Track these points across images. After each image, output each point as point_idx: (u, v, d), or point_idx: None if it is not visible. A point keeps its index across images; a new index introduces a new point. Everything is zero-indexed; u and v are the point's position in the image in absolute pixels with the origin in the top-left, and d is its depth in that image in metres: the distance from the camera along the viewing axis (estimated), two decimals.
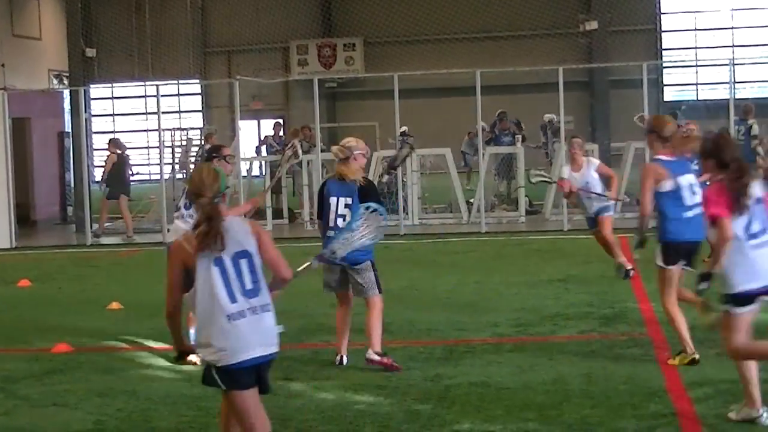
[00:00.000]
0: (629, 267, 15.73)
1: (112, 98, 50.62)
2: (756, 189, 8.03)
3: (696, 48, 46.40)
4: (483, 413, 8.75)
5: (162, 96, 26.10)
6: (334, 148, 11.00)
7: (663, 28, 46.23)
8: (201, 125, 41.12)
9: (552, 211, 24.90)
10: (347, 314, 11.18)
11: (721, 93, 38.32)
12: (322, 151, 24.78)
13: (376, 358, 10.52)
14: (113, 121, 50.63)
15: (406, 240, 22.47)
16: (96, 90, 47.72)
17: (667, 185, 10.03)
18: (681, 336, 10.18)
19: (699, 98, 44.56)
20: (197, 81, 46.43)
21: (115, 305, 14.87)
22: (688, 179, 10.15)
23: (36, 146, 28.49)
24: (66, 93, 32.00)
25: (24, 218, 26.26)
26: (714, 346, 10.81)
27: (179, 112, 44.62)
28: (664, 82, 45.81)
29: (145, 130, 47.90)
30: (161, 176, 25.15)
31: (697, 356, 10.09)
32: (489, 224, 23.78)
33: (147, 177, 42.70)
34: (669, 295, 10.11)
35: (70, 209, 28.75)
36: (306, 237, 23.63)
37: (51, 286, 17.49)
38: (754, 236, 7.94)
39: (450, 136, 30.90)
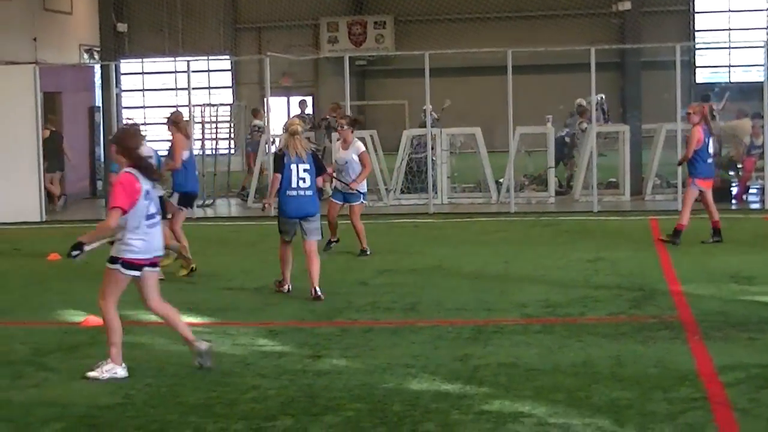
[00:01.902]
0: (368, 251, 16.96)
1: (143, 73, 50.65)
2: None
3: (729, 30, 46.07)
4: (512, 394, 8.72)
5: (192, 72, 26.09)
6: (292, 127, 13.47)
7: (696, 9, 45.93)
8: (231, 101, 41.09)
9: (581, 192, 24.79)
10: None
11: (755, 75, 38.05)
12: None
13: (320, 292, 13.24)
14: (143, 96, 50.69)
15: (435, 219, 22.44)
16: (126, 65, 47.73)
17: None
18: None
19: (732, 80, 44.27)
20: (227, 57, 46.41)
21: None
22: None
23: (66, 121, 28.50)
24: (97, 68, 32.02)
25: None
26: (746, 330, 10.76)
27: (209, 88, 44.68)
28: (697, 64, 45.54)
29: (174, 106, 47.96)
30: (191, 151, 25.10)
31: None
32: (518, 204, 23.72)
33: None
34: None
35: (99, 184, 28.83)
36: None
37: (81, 260, 17.46)
38: None
39: (480, 116, 30.79)
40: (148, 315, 12.33)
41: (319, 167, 13.62)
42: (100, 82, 29.83)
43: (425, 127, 24.29)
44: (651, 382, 8.95)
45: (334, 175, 16.86)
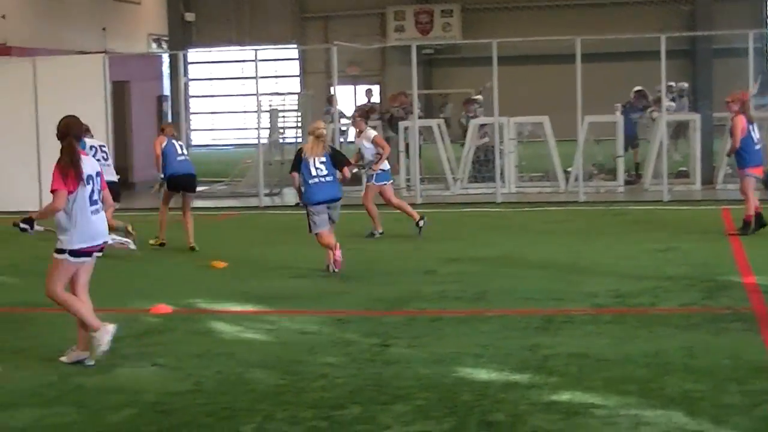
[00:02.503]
0: (379, 231, 17.91)
1: (210, 62, 50.90)
2: None
3: None
4: (582, 384, 8.62)
5: (259, 61, 26.15)
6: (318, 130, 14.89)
7: None
8: (298, 90, 41.18)
9: (651, 182, 24.55)
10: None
11: None
12: (419, 117, 24.71)
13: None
14: (210, 85, 50.95)
15: (503, 208, 22.34)
16: (194, 54, 48.01)
17: None
18: None
19: None
20: (294, 46, 46.50)
21: (217, 264, 14.98)
22: None
23: (135, 109, 28.70)
24: (165, 57, 32.23)
25: (122, 181, 26.48)
26: None
27: (276, 77, 44.81)
28: None
29: (242, 95, 48.16)
30: (258, 141, 25.25)
31: None
32: (587, 194, 23.53)
33: (243, 141, 42.95)
34: None
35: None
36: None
37: (149, 248, 17.63)
38: None
39: (547, 105, 30.56)
40: (219, 304, 12.43)
41: (338, 161, 14.84)
42: (168, 71, 30.04)
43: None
44: (724, 374, 8.82)
45: (359, 162, 18.34)
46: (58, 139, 9.98)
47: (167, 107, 30.03)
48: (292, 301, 12.66)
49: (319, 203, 14.59)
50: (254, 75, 26.02)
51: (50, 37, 38.42)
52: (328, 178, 14.66)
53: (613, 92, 29.56)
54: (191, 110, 44.97)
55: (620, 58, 39.37)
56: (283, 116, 28.59)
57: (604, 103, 26.74)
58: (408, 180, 25.15)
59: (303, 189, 14.75)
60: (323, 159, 14.67)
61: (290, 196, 26.31)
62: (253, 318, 11.72)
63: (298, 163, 14.79)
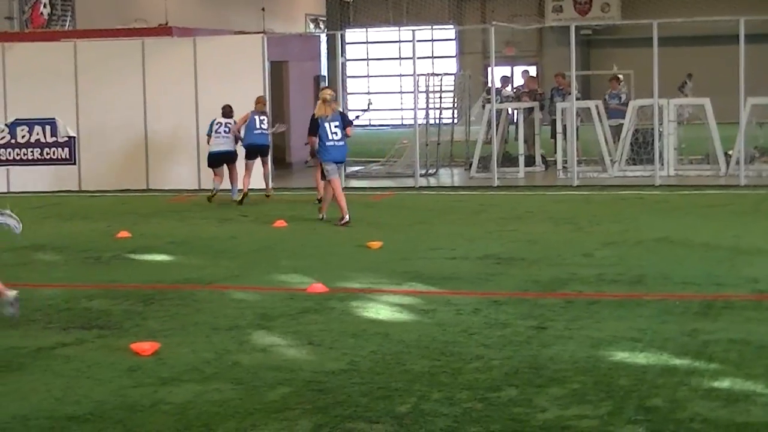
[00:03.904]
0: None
1: (367, 43, 51.12)
2: None
3: None
4: (743, 371, 8.42)
5: (417, 41, 26.14)
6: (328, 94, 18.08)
7: None
8: (455, 71, 41.08)
9: None
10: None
11: None
12: (577, 99, 24.44)
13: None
14: (367, 65, 51.18)
15: (661, 191, 21.97)
16: (351, 34, 48.29)
17: None
18: None
19: None
20: (451, 26, 46.40)
21: (373, 244, 15.05)
22: None
23: (293, 89, 28.98)
24: (323, 37, 32.46)
25: (280, 160, 26.82)
26: None
27: (433, 57, 44.79)
28: None
29: (398, 75, 48.27)
30: (415, 121, 25.27)
31: None
32: (748, 177, 22.98)
33: (399, 122, 43.04)
34: None
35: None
36: (558, 186, 23.38)
37: (305, 227, 17.81)
38: None
39: (709, 86, 29.93)
40: (375, 284, 12.47)
41: (346, 122, 18.17)
42: (325, 51, 30.25)
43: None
44: None
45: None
46: None
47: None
48: (447, 281, 12.62)
49: (334, 161, 17.88)
50: (411, 55, 26.01)
51: (210, 18, 39.05)
52: (340, 142, 17.89)
53: None
54: (348, 90, 45.19)
55: None
56: (440, 97, 28.54)
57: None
58: (565, 162, 24.89)
59: (319, 148, 17.85)
60: (337, 123, 17.82)
61: (446, 176, 26.33)
62: (409, 298, 11.73)
63: (316, 127, 17.76)
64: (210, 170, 21.89)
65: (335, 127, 17.84)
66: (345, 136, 18.00)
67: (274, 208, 20.09)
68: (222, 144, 21.51)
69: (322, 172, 18.45)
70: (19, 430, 7.42)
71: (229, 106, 21.61)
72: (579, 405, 7.67)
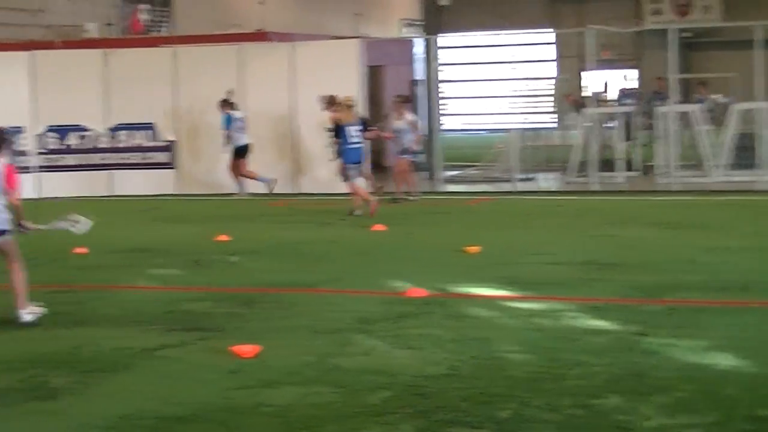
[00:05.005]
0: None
1: (463, 47, 51.01)
2: None
3: None
4: None
5: (513, 45, 26.03)
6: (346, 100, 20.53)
7: None
8: (554, 75, 40.85)
9: None
10: None
11: None
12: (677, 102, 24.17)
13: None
14: (464, 70, 51.05)
15: (764, 196, 21.57)
16: (447, 39, 48.19)
17: None
18: None
19: None
20: (548, 30, 46.12)
21: (471, 248, 14.99)
22: None
23: (389, 94, 28.97)
24: (418, 41, 32.43)
25: (376, 164, 26.82)
26: None
27: (529, 61, 44.54)
28: None
29: (494, 80, 48.10)
30: (512, 125, 25.19)
31: None
32: None
33: (497, 126, 42.89)
34: None
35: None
36: (658, 191, 23.10)
37: (404, 231, 17.80)
38: None
39: None
40: (474, 288, 12.43)
41: (364, 128, 20.28)
42: (421, 55, 30.20)
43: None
44: None
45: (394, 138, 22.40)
46: None
47: (420, 92, 30.20)
48: (547, 286, 12.52)
49: (353, 163, 19.88)
50: (508, 60, 25.91)
51: (306, 23, 39.32)
52: (359, 145, 19.99)
53: None
54: (444, 95, 45.13)
55: None
56: (538, 101, 28.41)
57: None
58: (665, 166, 24.59)
59: (341, 150, 20.11)
60: (357, 127, 19.95)
61: (544, 181, 26.17)
62: (508, 303, 11.67)
63: (340, 130, 19.99)
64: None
65: (356, 131, 20.02)
66: (362, 139, 20.22)
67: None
68: None
69: (345, 171, 20.35)
70: (126, 430, 7.50)
71: None
72: (685, 414, 7.55)
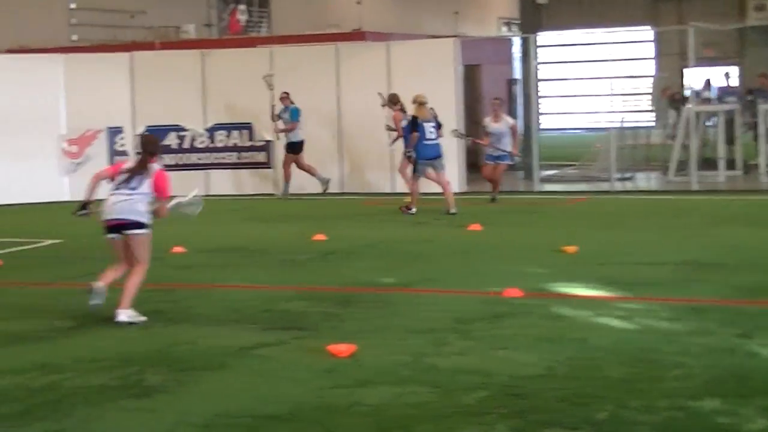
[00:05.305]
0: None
1: (561, 45, 50.70)
2: None
3: None
4: None
5: (611, 43, 25.79)
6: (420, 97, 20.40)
7: None
8: (653, 73, 40.39)
9: None
10: None
11: None
12: None
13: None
14: (562, 68, 50.75)
15: None
16: (544, 36, 47.93)
17: None
18: None
19: None
20: (648, 27, 45.65)
21: (568, 248, 14.87)
22: None
23: (486, 93, 28.88)
24: (516, 40, 32.30)
25: (475, 164, 26.72)
26: None
27: (629, 59, 44.08)
28: None
29: (593, 78, 47.71)
30: (610, 124, 24.95)
31: None
32: None
33: (594, 125, 42.54)
34: None
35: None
36: (761, 190, 22.73)
37: (500, 231, 17.73)
38: None
39: None
40: (571, 288, 12.32)
41: (437, 125, 20.37)
42: (518, 54, 30.07)
43: None
44: None
45: (490, 142, 22.14)
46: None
47: (517, 91, 30.09)
48: (644, 287, 12.36)
49: (427, 159, 20.15)
50: (607, 58, 25.65)
51: (403, 22, 39.35)
52: (434, 141, 20.21)
53: None
54: (542, 94, 44.90)
55: None
56: (636, 99, 28.11)
57: None
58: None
59: (417, 146, 20.05)
60: (433, 124, 20.26)
61: (642, 180, 25.89)
62: (605, 304, 11.54)
63: (417, 125, 20.05)
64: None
65: (432, 127, 20.20)
66: (437, 137, 20.33)
67: (469, 212, 20.02)
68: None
69: (414, 167, 20.54)
70: (221, 428, 7.53)
71: None
72: None
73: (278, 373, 8.92)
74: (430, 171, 20.41)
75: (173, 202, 11.79)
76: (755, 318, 10.51)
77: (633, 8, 46.42)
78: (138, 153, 12.00)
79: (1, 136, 24.40)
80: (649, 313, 10.95)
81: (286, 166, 24.31)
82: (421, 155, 20.20)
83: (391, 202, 21.99)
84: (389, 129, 23.04)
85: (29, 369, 9.22)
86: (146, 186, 11.30)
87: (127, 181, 11.33)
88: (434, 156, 20.26)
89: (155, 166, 11.47)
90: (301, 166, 24.19)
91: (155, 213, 11.42)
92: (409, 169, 21.18)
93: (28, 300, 12.76)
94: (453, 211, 19.82)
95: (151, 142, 11.83)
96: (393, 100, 22.75)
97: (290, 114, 24.26)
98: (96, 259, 13.64)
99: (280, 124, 24.35)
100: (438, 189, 20.51)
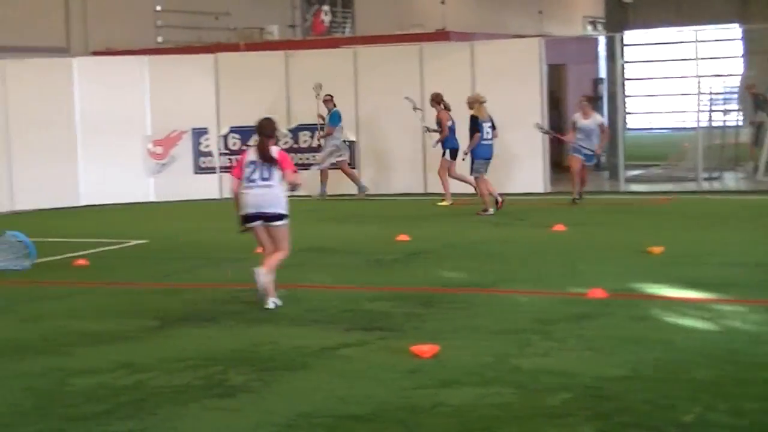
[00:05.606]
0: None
1: (647, 44, 50.19)
2: None
3: None
4: None
5: (699, 41, 25.48)
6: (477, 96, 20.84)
7: None
8: (741, 72, 39.83)
9: None
10: None
11: None
12: None
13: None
14: (648, 67, 50.22)
15: None
16: (630, 35, 47.49)
17: None
18: None
19: None
20: (736, 25, 45.05)
21: (654, 249, 14.69)
22: None
23: (571, 92, 28.70)
24: (601, 39, 32.05)
25: (559, 164, 26.57)
26: None
27: (717, 58, 43.53)
28: None
29: (681, 77, 47.20)
30: (698, 123, 24.67)
31: None
32: None
33: (682, 125, 42.08)
34: None
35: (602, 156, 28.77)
36: None
37: (584, 231, 17.58)
38: None
39: None
40: (656, 289, 12.18)
41: (493, 125, 20.51)
42: (604, 53, 29.84)
43: None
44: None
45: (575, 138, 21.61)
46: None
47: (603, 90, 29.85)
48: (731, 288, 12.18)
49: (485, 159, 20.33)
50: (694, 56, 25.35)
51: (487, 22, 39.24)
52: (490, 141, 20.44)
53: None
54: (628, 93, 44.51)
55: None
56: (723, 98, 27.74)
57: None
58: None
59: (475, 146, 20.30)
60: (490, 124, 20.43)
61: (730, 180, 25.56)
62: (692, 305, 11.38)
63: (477, 125, 20.25)
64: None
65: (489, 128, 20.44)
66: (493, 137, 20.56)
67: (553, 212, 19.90)
68: None
69: (471, 168, 20.70)
70: (304, 428, 7.54)
71: None
72: None
73: (360, 374, 8.92)
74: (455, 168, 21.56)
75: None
76: None
77: (721, 5, 45.75)
78: (255, 138, 12.32)
79: (87, 138, 24.70)
80: (737, 314, 10.78)
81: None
82: (478, 155, 20.39)
83: (471, 203, 21.81)
84: (428, 130, 22.85)
85: (114, 368, 9.32)
86: (276, 172, 11.70)
87: (258, 172, 11.65)
88: (490, 156, 20.50)
89: (275, 148, 11.77)
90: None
91: (291, 187, 11.86)
92: (461, 171, 21.85)
93: (113, 300, 12.89)
94: (490, 211, 20.14)
95: (268, 126, 12.03)
96: (437, 100, 22.60)
97: (330, 118, 24.29)
98: (180, 259, 13.76)
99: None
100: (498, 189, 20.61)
